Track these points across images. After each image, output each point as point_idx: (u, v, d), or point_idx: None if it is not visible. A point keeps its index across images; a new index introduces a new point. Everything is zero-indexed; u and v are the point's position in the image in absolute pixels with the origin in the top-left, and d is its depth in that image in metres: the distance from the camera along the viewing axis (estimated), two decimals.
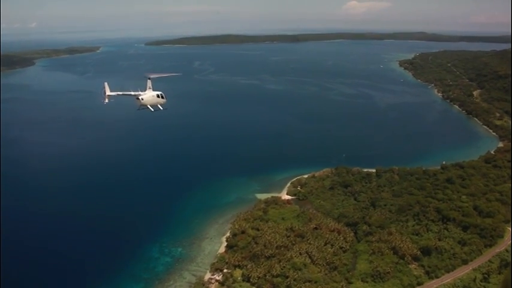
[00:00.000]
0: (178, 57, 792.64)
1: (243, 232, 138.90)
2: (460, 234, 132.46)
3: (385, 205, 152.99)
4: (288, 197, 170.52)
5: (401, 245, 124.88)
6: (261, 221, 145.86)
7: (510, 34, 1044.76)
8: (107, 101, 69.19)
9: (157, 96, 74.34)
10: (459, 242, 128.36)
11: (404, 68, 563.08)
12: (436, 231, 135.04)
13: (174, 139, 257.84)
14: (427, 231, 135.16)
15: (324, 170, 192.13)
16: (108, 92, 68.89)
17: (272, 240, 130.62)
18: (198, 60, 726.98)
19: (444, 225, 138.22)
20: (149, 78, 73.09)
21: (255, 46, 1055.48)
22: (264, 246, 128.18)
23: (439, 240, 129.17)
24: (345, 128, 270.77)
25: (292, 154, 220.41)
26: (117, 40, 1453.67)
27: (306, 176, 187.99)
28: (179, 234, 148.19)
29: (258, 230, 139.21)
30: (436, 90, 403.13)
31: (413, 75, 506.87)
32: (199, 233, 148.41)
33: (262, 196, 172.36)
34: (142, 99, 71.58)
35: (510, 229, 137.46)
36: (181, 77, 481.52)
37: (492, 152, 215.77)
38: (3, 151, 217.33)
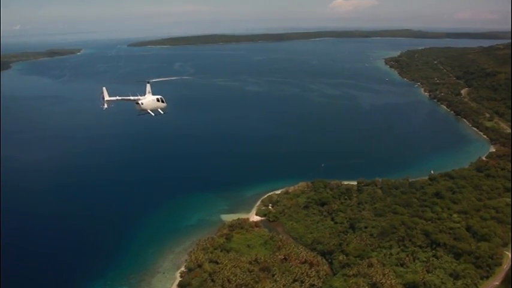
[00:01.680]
0: (160, 59, 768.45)
1: (199, 266, 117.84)
2: (451, 264, 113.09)
3: (365, 227, 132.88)
4: (257, 218, 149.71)
5: (384, 281, 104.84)
6: (221, 250, 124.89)
7: (496, 30, 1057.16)
8: (105, 106, 67.09)
9: (157, 100, 73.56)
10: (451, 275, 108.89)
11: (390, 66, 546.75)
12: (424, 259, 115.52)
13: (131, 149, 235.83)
14: (414, 261, 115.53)
15: (300, 184, 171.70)
16: (106, 97, 66.82)
17: (232, 277, 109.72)
18: (179, 61, 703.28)
19: (433, 251, 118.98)
20: (148, 83, 72.19)
21: (239, 46, 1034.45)
22: (222, 286, 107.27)
23: (428, 272, 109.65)
24: (326, 133, 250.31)
25: (266, 165, 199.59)
26: (99, 42, 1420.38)
27: (278, 192, 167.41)
28: (128, 267, 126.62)
29: (217, 263, 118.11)
30: (422, 90, 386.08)
31: (399, 73, 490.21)
32: (151, 266, 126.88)
33: (228, 217, 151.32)
34: (142, 103, 70.52)
35: (510, 254, 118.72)
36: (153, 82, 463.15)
37: (484, 158, 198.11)
38: None
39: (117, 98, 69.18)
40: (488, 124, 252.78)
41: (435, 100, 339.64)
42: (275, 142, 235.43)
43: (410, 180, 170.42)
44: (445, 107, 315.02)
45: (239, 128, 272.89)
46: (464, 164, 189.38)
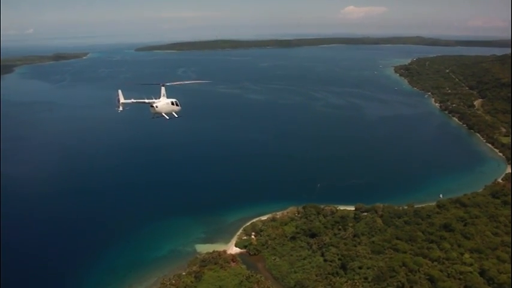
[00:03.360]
0: (164, 64, 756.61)
1: None
2: None
3: (360, 268, 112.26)
4: (236, 251, 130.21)
5: None
6: None
7: (509, 38, 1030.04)
8: (121, 109, 66.71)
9: (172, 103, 72.90)
10: None
11: (400, 75, 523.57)
12: None
13: (107, 158, 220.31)
14: None
15: (290, 209, 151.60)
16: (122, 100, 66.42)
17: None
18: (183, 66, 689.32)
19: None
20: (163, 86, 71.79)
21: (246, 52, 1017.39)
22: None
23: None
24: (325, 148, 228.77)
25: (255, 184, 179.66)
26: (107, 46, 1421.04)
27: (265, 218, 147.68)
28: None
29: None
30: (433, 100, 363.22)
31: (408, 82, 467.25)
32: None
33: (204, 248, 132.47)
34: (157, 106, 70.20)
35: None
36: (153, 87, 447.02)
37: (500, 181, 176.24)
38: None
39: (132, 100, 68.20)
40: (505, 140, 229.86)
41: (446, 112, 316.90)
42: (267, 157, 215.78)
43: (416, 206, 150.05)
44: (456, 119, 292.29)
45: (229, 140, 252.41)
46: (477, 187, 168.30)
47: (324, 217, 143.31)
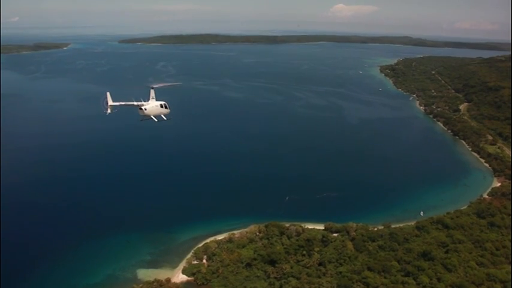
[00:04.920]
0: (146, 57, 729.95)
1: None
2: None
3: None
4: (182, 279, 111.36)
5: None
6: None
7: (496, 41, 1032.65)
8: (109, 111, 65.91)
9: (161, 106, 72.58)
10: None
11: (385, 75, 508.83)
12: None
13: (51, 164, 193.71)
14: None
15: (251, 227, 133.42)
16: (110, 102, 65.57)
17: None
18: (164, 60, 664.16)
19: None
20: (152, 88, 71.54)
21: (232, 47, 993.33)
22: None
23: None
24: (299, 155, 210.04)
25: (214, 196, 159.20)
26: (91, 37, 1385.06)
27: (221, 237, 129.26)
28: None
29: None
30: (417, 103, 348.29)
31: (393, 83, 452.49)
32: None
33: (146, 274, 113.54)
34: (145, 109, 69.80)
35: None
36: (127, 82, 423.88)
37: (486, 196, 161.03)
38: None
39: (121, 103, 67.45)
40: (491, 149, 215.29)
41: (431, 116, 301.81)
42: (234, 164, 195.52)
43: (393, 226, 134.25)
44: (441, 124, 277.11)
45: (193, 142, 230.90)
46: (461, 203, 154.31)
47: (288, 238, 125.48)
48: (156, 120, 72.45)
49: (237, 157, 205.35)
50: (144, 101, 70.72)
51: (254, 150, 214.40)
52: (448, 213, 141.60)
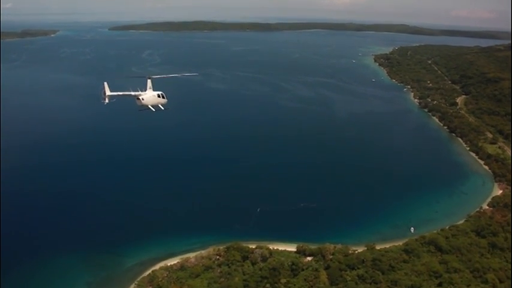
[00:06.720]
0: (133, 45, 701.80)
1: None
2: None
3: None
4: None
5: None
6: None
7: (494, 30, 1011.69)
8: (107, 101, 64.90)
9: (158, 96, 72.64)
10: None
11: (379, 64, 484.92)
12: None
13: None
14: None
15: (209, 249, 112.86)
16: (108, 92, 64.66)
17: None
18: (152, 48, 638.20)
19: None
20: (149, 78, 71.47)
21: (223, 34, 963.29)
22: None
23: None
24: (278, 156, 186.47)
25: (173, 207, 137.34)
26: (81, 23, 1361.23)
27: (173, 262, 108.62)
28: None
29: None
30: (412, 95, 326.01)
31: (388, 73, 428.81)
32: None
33: None
34: (143, 99, 70.03)
35: None
36: (108, 72, 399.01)
37: (486, 207, 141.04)
38: None
39: (118, 93, 65.98)
40: (491, 149, 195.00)
41: (426, 110, 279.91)
42: (196, 166, 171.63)
43: (378, 247, 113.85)
44: (437, 120, 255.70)
45: (160, 141, 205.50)
46: (458, 217, 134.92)
47: (252, 265, 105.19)
48: (153, 110, 72.06)
49: (204, 160, 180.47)
50: (142, 91, 70.05)
51: (226, 153, 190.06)
52: (442, 230, 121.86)
